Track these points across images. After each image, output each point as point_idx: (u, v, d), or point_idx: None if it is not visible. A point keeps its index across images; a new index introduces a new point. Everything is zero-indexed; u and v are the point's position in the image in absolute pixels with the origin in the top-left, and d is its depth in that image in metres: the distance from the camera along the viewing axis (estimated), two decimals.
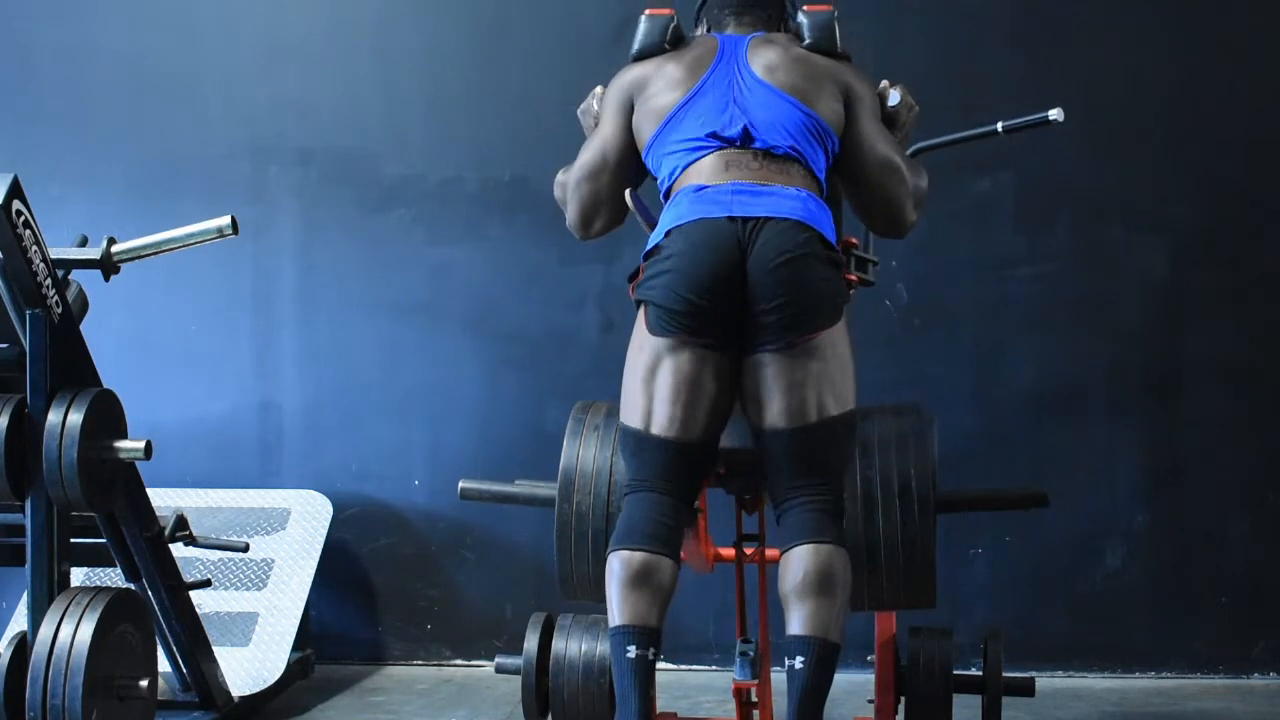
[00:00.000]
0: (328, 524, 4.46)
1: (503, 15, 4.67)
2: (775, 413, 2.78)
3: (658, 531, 2.76)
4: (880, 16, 4.53)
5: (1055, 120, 3.43)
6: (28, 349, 3.20)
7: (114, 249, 3.43)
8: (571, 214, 3.15)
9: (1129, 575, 4.51)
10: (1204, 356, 4.49)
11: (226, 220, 3.45)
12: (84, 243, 3.58)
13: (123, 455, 3.28)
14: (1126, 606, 4.50)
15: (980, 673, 3.39)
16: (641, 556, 2.74)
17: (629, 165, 3.09)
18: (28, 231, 3.13)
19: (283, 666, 4.09)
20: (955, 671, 3.32)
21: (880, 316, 4.50)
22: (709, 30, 3.20)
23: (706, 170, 2.90)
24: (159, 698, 3.44)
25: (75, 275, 3.50)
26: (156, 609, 3.59)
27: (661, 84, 3.02)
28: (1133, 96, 4.51)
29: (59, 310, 3.23)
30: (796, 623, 2.71)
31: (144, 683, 3.25)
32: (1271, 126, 4.49)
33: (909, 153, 3.53)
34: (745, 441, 2.94)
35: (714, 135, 2.92)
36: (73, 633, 3.08)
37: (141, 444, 3.27)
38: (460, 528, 4.67)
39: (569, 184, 3.15)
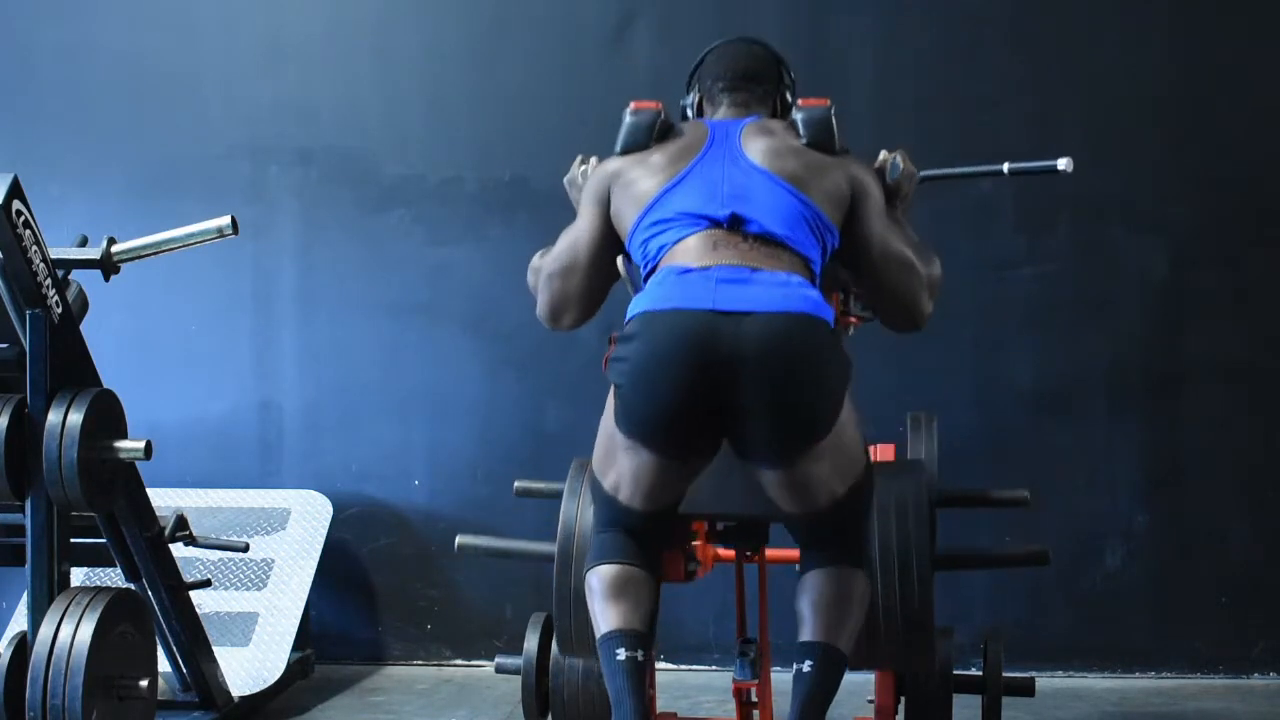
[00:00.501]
0: (328, 524, 4.46)
1: (502, 15, 4.67)
2: (783, 504, 2.72)
3: (631, 549, 2.76)
4: (880, 16, 4.54)
5: (1064, 170, 3.42)
6: (28, 349, 3.19)
7: (114, 249, 3.43)
8: (540, 306, 3.02)
9: (1129, 575, 4.51)
10: (1204, 356, 4.49)
11: (226, 220, 3.45)
12: (84, 243, 3.58)
13: (123, 455, 3.28)
14: (1126, 606, 4.50)
15: (980, 673, 3.39)
16: (617, 568, 2.73)
17: (601, 264, 2.93)
18: (28, 231, 3.13)
19: (283, 666, 4.09)
20: (955, 671, 3.32)
21: None
22: (700, 100, 3.07)
23: (692, 250, 2.72)
24: (159, 698, 3.44)
25: (75, 275, 3.50)
26: (156, 609, 3.59)
27: (643, 171, 2.85)
28: (1133, 96, 4.51)
29: (59, 310, 3.23)
30: (808, 630, 2.71)
31: (144, 683, 3.24)
32: (1271, 126, 4.49)
33: None
34: (747, 509, 2.91)
35: (701, 215, 2.75)
36: (73, 633, 3.08)
37: (141, 444, 3.27)
38: (460, 528, 4.63)
39: (540, 276, 3.01)
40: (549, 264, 3.00)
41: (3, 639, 4.02)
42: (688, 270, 2.68)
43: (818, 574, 2.73)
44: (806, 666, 2.68)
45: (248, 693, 3.98)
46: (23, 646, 3.17)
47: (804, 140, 2.87)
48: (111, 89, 4.75)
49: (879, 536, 2.97)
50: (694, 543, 3.02)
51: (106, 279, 3.48)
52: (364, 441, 4.70)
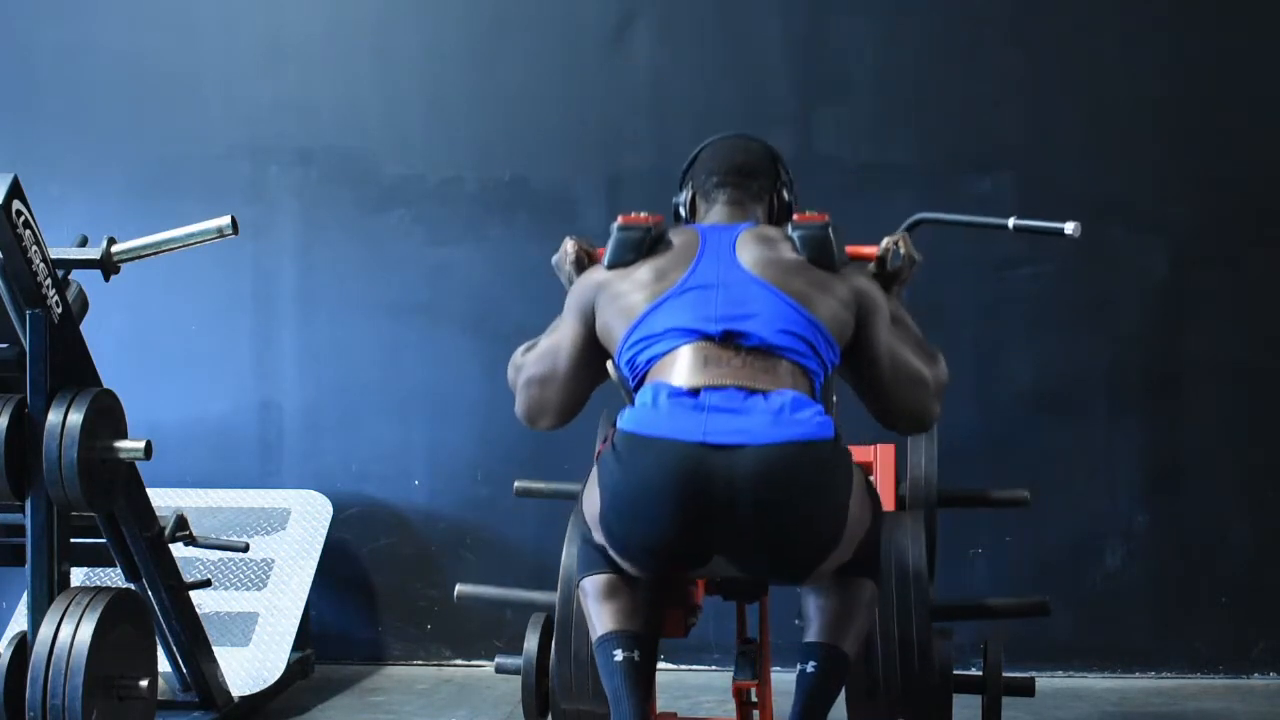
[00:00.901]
0: (328, 524, 4.46)
1: (502, 15, 4.67)
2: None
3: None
4: (880, 16, 4.54)
5: (1071, 235, 3.41)
6: (28, 349, 3.19)
7: (114, 249, 3.43)
8: (518, 407, 2.93)
9: (1129, 575, 4.51)
10: (1204, 356, 4.49)
11: (226, 220, 3.45)
12: (84, 243, 3.58)
13: (123, 455, 3.28)
14: (1126, 606, 4.50)
15: (980, 673, 3.39)
16: (608, 576, 2.72)
17: (582, 376, 2.86)
18: (28, 231, 3.13)
19: (283, 666, 4.09)
20: (955, 671, 3.32)
21: None
22: (693, 198, 2.99)
23: (682, 366, 2.63)
24: (159, 698, 3.44)
25: (75, 275, 3.50)
26: (156, 609, 3.59)
27: (631, 285, 2.75)
28: (1133, 96, 4.51)
29: (59, 310, 3.23)
30: (813, 631, 2.71)
31: (144, 683, 3.25)
32: (1271, 126, 4.49)
33: (908, 225, 3.52)
34: (744, 572, 2.91)
35: (692, 329, 2.65)
36: (73, 633, 3.08)
37: (141, 444, 3.27)
38: (460, 528, 4.68)
39: (520, 377, 2.92)
40: (529, 368, 2.90)
41: (3, 639, 4.02)
42: (678, 392, 2.58)
43: (826, 581, 2.73)
44: (810, 667, 2.67)
45: (248, 693, 3.98)
46: (23, 646, 3.17)
47: (803, 257, 2.78)
48: (111, 89, 4.75)
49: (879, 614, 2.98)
50: (692, 593, 3.00)
51: (106, 279, 3.48)
52: (364, 441, 4.70)
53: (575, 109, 4.63)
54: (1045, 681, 3.92)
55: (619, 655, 2.66)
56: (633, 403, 2.68)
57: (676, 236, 2.85)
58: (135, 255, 3.46)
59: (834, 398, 3.09)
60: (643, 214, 2.88)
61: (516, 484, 3.64)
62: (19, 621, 4.01)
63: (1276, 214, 4.50)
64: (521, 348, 2.97)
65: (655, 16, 4.61)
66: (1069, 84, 4.50)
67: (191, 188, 4.68)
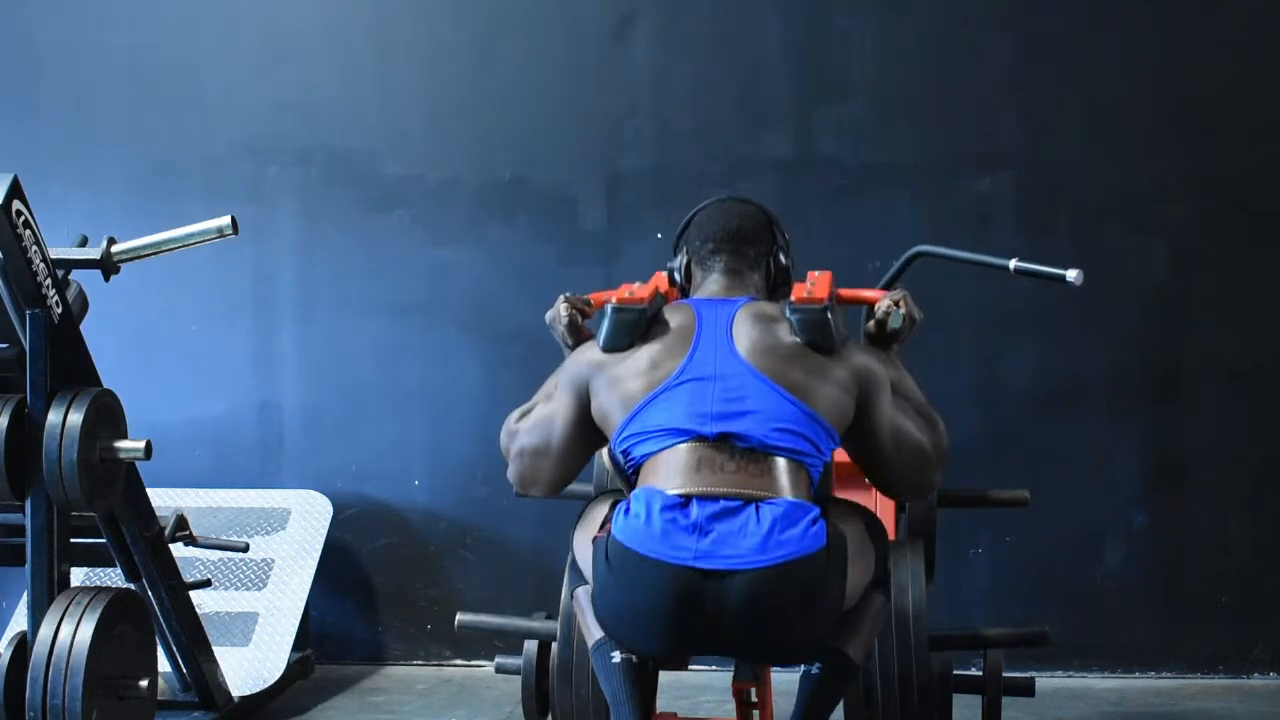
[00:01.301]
0: (328, 524, 4.46)
1: (502, 15, 4.67)
2: None
3: None
4: (880, 16, 4.54)
5: (1072, 282, 3.40)
6: (28, 349, 3.19)
7: (114, 249, 3.43)
8: (510, 473, 2.91)
9: (1129, 575, 4.51)
10: (1204, 356, 4.49)
11: (226, 220, 3.45)
12: (84, 243, 3.58)
13: (123, 455, 3.28)
14: (1126, 606, 4.50)
15: (980, 673, 3.38)
16: None
17: (575, 450, 2.83)
18: (28, 231, 3.13)
19: (283, 666, 4.09)
20: (955, 671, 3.32)
21: None
22: (688, 263, 2.96)
23: (675, 468, 2.60)
24: (159, 698, 3.44)
25: (75, 275, 3.50)
26: (156, 609, 3.59)
27: (628, 370, 2.73)
28: (1133, 96, 4.51)
29: (59, 310, 3.23)
30: None
31: (144, 683, 3.25)
32: (1271, 126, 4.49)
33: (907, 257, 3.51)
34: None
35: (687, 429, 2.63)
36: (73, 633, 3.08)
37: (141, 444, 3.27)
38: (460, 528, 4.68)
39: (513, 444, 2.89)
40: (522, 437, 2.87)
41: (3, 639, 4.02)
42: (670, 505, 2.55)
43: None
44: (815, 669, 2.67)
45: (248, 693, 3.98)
46: (23, 646, 3.17)
47: (800, 341, 2.74)
48: (111, 89, 4.75)
49: (879, 658, 2.98)
50: None
51: (106, 279, 3.48)
52: (364, 441, 4.70)
53: (575, 109, 4.63)
54: (1045, 681, 3.92)
55: (617, 656, 2.66)
56: (628, 488, 2.71)
57: (672, 316, 2.81)
58: (135, 255, 3.46)
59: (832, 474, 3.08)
60: (636, 286, 2.85)
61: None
62: (19, 621, 4.01)
63: (1277, 214, 4.50)
64: (515, 413, 2.94)
65: (655, 16, 4.61)
66: (1069, 84, 4.50)
67: (191, 188, 4.68)
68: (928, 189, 4.46)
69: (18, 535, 3.37)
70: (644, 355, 2.74)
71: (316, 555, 4.37)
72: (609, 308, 2.80)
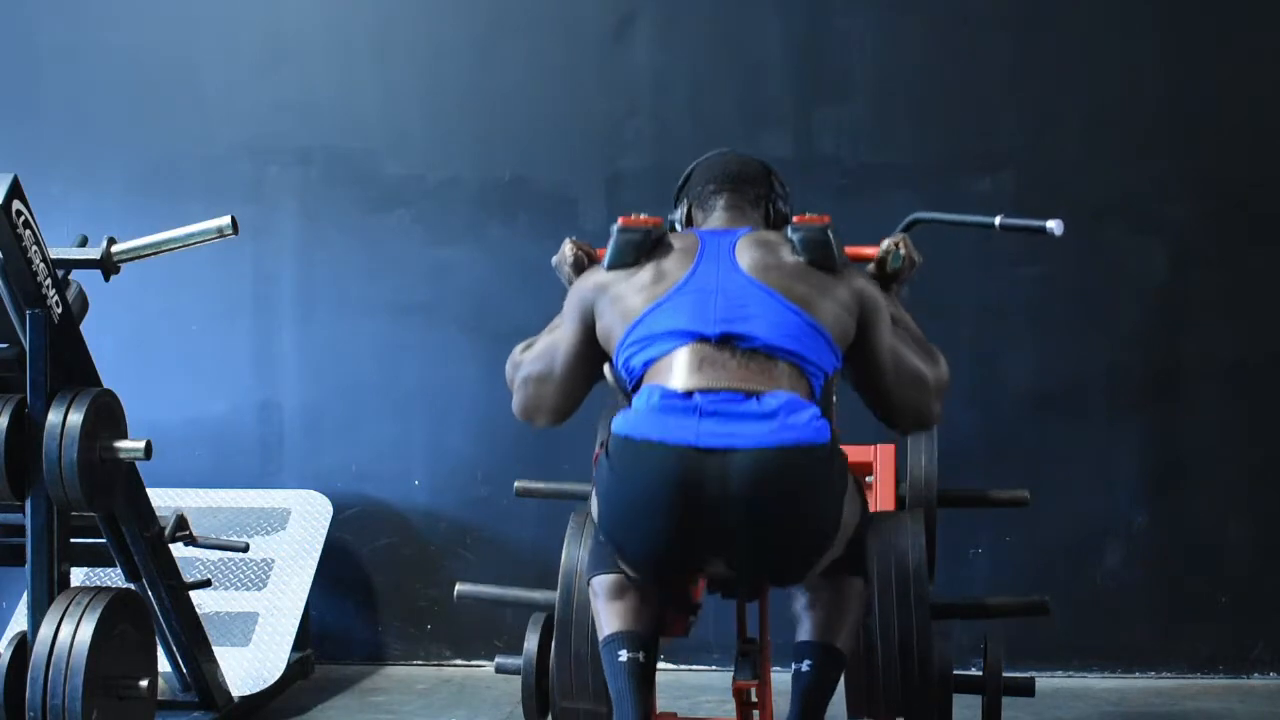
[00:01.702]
0: (328, 524, 4.46)
1: (502, 15, 4.67)
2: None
3: None
4: (880, 16, 4.54)
5: (1053, 232, 3.42)
6: (28, 349, 3.20)
7: (114, 249, 3.43)
8: (515, 404, 2.94)
9: (1129, 575, 4.51)
10: (1204, 356, 4.49)
11: (226, 220, 3.45)
12: (84, 243, 3.58)
13: (123, 455, 3.28)
14: (1126, 606, 4.50)
15: (980, 673, 3.39)
16: (617, 575, 2.73)
17: (579, 376, 2.86)
18: (28, 231, 3.13)
19: (283, 666, 4.09)
20: (955, 671, 3.32)
21: None
22: (689, 210, 3.00)
23: (677, 368, 2.61)
24: (159, 698, 3.44)
25: (75, 275, 3.50)
26: (156, 609, 3.59)
27: (630, 287, 2.75)
28: (1133, 96, 4.51)
29: (59, 310, 3.23)
30: (806, 630, 2.72)
31: (144, 683, 3.25)
32: (1271, 126, 4.49)
33: (903, 226, 3.53)
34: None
35: (689, 330, 2.64)
36: (73, 633, 3.08)
37: (141, 444, 3.27)
38: (460, 528, 4.68)
39: (518, 375, 2.92)
40: (527, 366, 2.91)
41: (3, 639, 4.02)
42: (671, 395, 2.56)
43: (815, 580, 2.73)
44: (805, 666, 2.68)
45: (248, 693, 3.98)
46: (23, 646, 3.17)
47: (804, 260, 2.77)
48: (112, 88, 4.75)
49: (878, 596, 2.97)
50: (692, 591, 3.01)
51: (106, 279, 3.48)
52: (364, 441, 4.70)
53: (575, 109, 4.63)
54: (1045, 681, 3.92)
55: (624, 656, 2.68)
56: (629, 404, 2.70)
57: (676, 240, 2.85)
58: (135, 255, 3.46)
59: (834, 399, 3.10)
60: (643, 216, 2.88)
61: (517, 484, 3.64)
62: (19, 621, 4.01)
63: (1277, 214, 4.50)
64: (520, 345, 2.98)
65: (655, 16, 4.61)
66: (1069, 84, 4.50)
67: (191, 188, 4.68)
68: (928, 189, 4.46)
69: (18, 535, 3.37)
70: (646, 272, 2.76)
71: (316, 555, 4.37)
72: (615, 228, 2.83)
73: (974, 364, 4.53)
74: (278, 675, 4.06)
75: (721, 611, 4.43)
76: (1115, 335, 4.51)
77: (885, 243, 2.96)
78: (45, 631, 3.09)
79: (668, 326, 2.67)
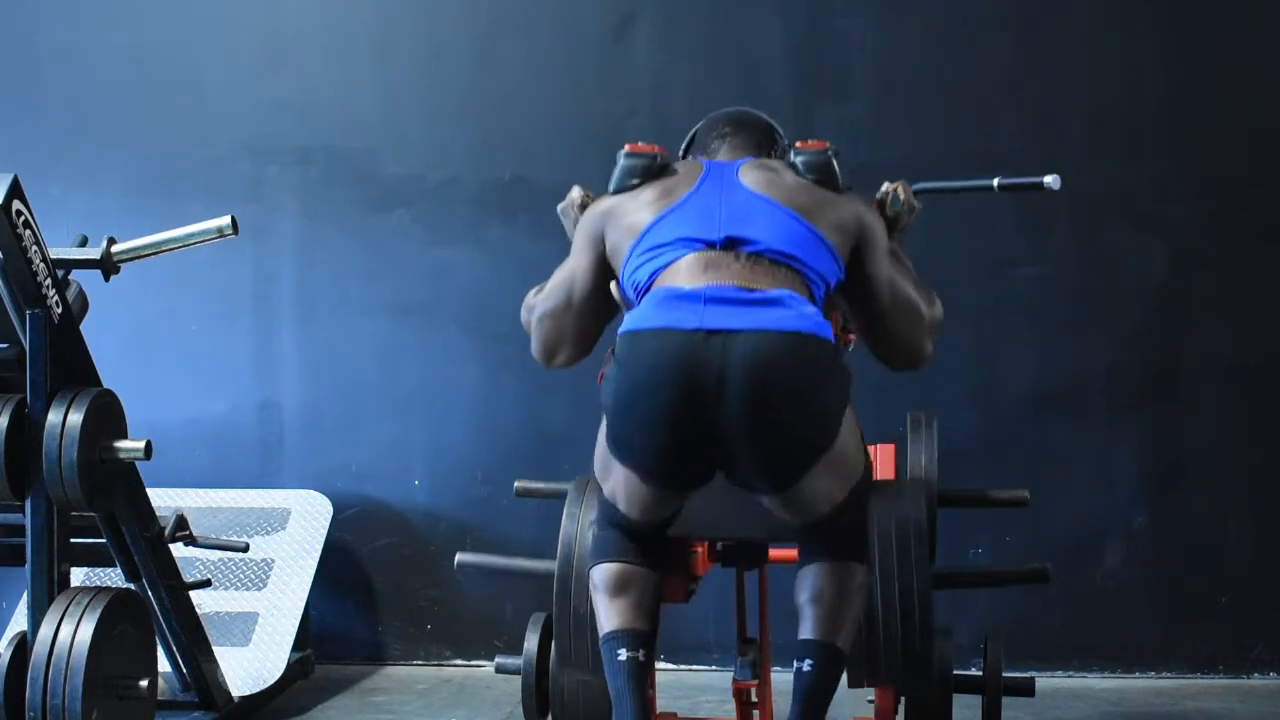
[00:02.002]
0: (328, 524, 4.46)
1: (502, 15, 4.67)
2: (781, 515, 2.70)
3: (632, 548, 2.76)
4: (880, 16, 4.54)
5: (1050, 187, 3.42)
6: (28, 349, 3.19)
7: (114, 249, 3.43)
8: (534, 345, 2.98)
9: (1129, 575, 4.51)
10: (1204, 356, 4.49)
11: (226, 220, 3.45)
12: (84, 243, 3.58)
13: (123, 455, 3.28)
14: (1126, 606, 4.50)
15: (980, 673, 3.39)
16: (620, 566, 2.74)
17: (596, 303, 2.89)
18: (28, 231, 3.13)
19: (283, 666, 4.09)
20: (955, 671, 3.32)
21: None
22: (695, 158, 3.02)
23: (683, 272, 2.65)
24: (159, 698, 3.44)
25: (75, 275, 3.50)
26: (156, 609, 3.59)
27: (636, 205, 2.80)
28: (1133, 96, 4.51)
29: (59, 310, 3.23)
30: (807, 628, 2.71)
31: (144, 683, 3.24)
32: (1271, 126, 4.49)
33: None
34: (746, 532, 2.91)
35: (695, 239, 2.69)
36: (73, 633, 3.08)
37: (141, 444, 3.27)
38: (460, 528, 4.67)
39: (534, 314, 2.96)
40: (544, 302, 2.93)
41: (3, 639, 4.02)
42: (677, 292, 2.61)
43: (817, 568, 2.73)
44: (806, 666, 2.68)
45: (248, 693, 3.98)
46: (23, 646, 3.17)
47: (807, 180, 2.82)
48: (112, 88, 4.75)
49: (878, 557, 2.96)
50: (694, 561, 3.01)
51: (106, 279, 3.48)
52: (364, 441, 4.70)
53: (575, 109, 4.63)
54: (1045, 681, 3.92)
55: (624, 654, 2.68)
56: None
57: (680, 166, 2.90)
58: (135, 255, 3.46)
59: (848, 344, 3.10)
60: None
61: (517, 484, 3.64)
62: (19, 621, 4.01)
63: (1277, 214, 4.50)
64: (532, 290, 3.01)
65: (655, 16, 4.61)
66: (1069, 84, 4.50)
67: (191, 188, 4.68)
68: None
69: (18, 535, 3.37)
70: (651, 190, 2.81)
71: (316, 555, 4.37)
72: (620, 153, 2.88)
73: (974, 364, 4.53)
74: (278, 675, 4.06)
75: (721, 611, 4.45)
76: (1115, 335, 4.51)
77: (885, 186, 2.98)
78: (45, 631, 3.09)
79: (673, 235, 2.71)
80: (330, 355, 4.71)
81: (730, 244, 2.67)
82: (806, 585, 2.74)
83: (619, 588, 2.74)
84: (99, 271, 3.45)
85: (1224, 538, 4.49)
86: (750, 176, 2.79)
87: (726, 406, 2.50)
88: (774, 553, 3.15)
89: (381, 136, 4.70)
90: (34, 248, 3.15)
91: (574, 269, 2.89)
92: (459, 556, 3.42)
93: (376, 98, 4.72)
